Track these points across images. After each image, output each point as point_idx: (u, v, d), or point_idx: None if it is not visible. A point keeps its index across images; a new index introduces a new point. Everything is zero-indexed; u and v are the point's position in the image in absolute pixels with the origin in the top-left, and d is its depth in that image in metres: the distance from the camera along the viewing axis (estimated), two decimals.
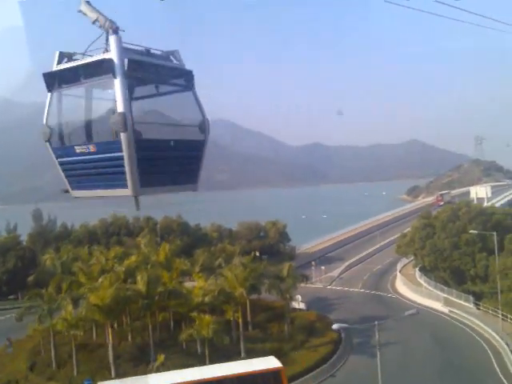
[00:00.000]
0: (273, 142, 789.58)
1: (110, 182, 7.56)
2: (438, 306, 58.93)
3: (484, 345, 46.19)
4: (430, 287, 65.53)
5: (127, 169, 7.15)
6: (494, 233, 54.37)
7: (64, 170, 8.15)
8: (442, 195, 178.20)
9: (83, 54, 7.69)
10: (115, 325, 50.72)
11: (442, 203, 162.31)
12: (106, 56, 7.17)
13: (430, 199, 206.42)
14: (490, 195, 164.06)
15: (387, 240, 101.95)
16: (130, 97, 7.16)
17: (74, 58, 7.83)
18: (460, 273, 62.53)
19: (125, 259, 53.12)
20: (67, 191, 8.30)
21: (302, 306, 58.62)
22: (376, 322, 25.63)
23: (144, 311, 44.42)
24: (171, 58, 8.20)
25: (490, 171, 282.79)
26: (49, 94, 7.90)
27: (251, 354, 42.22)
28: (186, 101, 8.22)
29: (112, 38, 7.27)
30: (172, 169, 8.07)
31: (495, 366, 41.01)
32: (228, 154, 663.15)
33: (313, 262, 78.12)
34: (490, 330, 48.75)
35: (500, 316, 50.14)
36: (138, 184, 7.27)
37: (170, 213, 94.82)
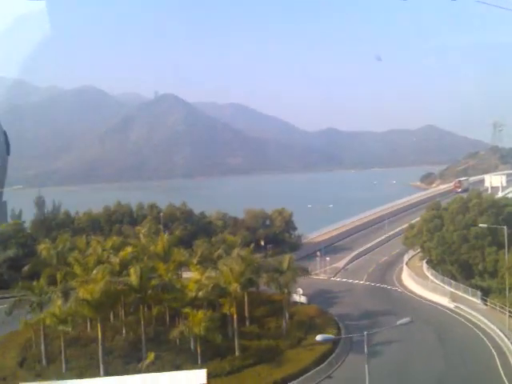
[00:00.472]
0: (288, 126, 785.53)
1: None
2: (443, 301, 57.02)
3: (489, 345, 44.19)
4: (436, 281, 63.57)
5: None
6: (505, 227, 52.15)
7: None
8: (460, 182, 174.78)
9: None
10: (111, 317, 49.91)
11: (459, 190, 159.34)
12: None
13: (444, 187, 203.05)
14: (504, 184, 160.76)
15: (396, 230, 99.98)
16: None
17: None
18: (468, 267, 60.44)
19: (121, 250, 51.79)
20: None
21: (302, 299, 57.03)
22: (365, 333, 23.78)
23: (136, 305, 43.31)
24: None
25: (507, 158, 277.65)
26: None
27: (245, 351, 41.09)
28: None
29: None
30: None
31: (499, 367, 39.08)
32: (242, 139, 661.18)
33: (318, 253, 76.37)
34: (496, 329, 46.78)
35: (507, 313, 48.16)
36: None
37: (178, 199, 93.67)
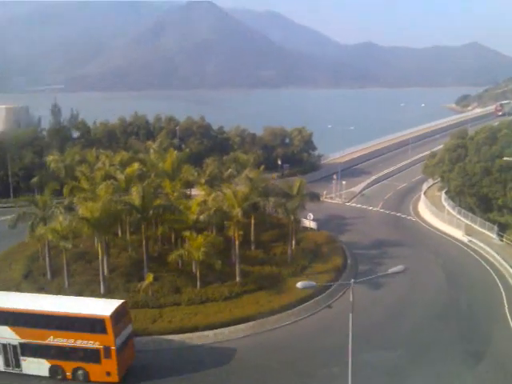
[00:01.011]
0: (324, 39, 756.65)
1: None
2: (458, 234, 55.18)
3: (499, 283, 42.69)
4: (453, 212, 61.43)
5: None
6: None
7: None
8: (502, 105, 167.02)
9: None
10: (119, 233, 49.66)
11: (500, 113, 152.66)
12: None
13: (480, 110, 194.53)
14: None
15: (419, 155, 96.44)
16: None
17: None
18: (487, 201, 57.81)
19: (129, 165, 50.58)
20: None
21: (312, 225, 55.68)
22: (352, 280, 22.33)
23: (137, 225, 42.74)
24: None
25: None
26: None
27: (247, 277, 40.48)
28: None
29: None
30: None
31: (506, 309, 37.84)
32: (277, 50, 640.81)
33: (334, 176, 74.17)
34: (508, 267, 45.06)
35: None
36: None
37: (204, 111, 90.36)
